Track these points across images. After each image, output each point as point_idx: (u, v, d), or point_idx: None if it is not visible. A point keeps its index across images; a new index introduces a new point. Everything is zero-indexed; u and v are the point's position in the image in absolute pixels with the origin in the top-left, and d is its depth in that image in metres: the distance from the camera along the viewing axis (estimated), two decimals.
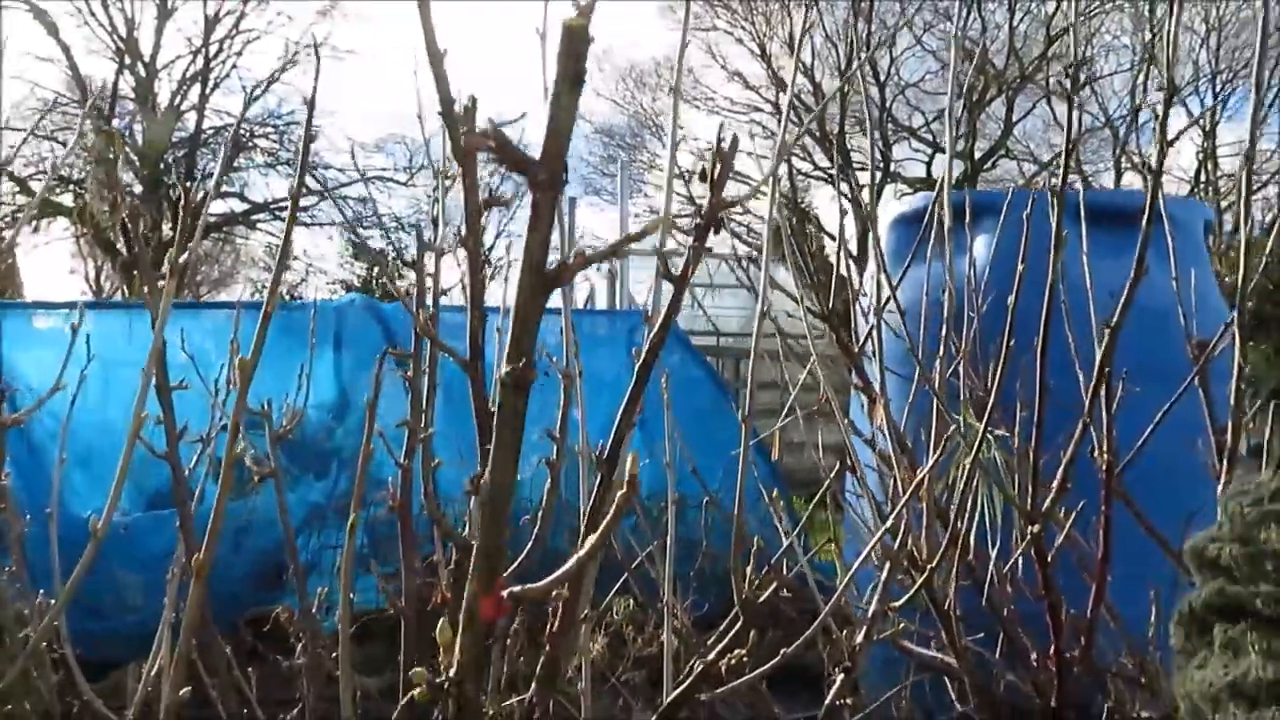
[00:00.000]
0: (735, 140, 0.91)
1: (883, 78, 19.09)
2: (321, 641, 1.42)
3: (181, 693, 0.69)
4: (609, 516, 0.44)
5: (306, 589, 1.60)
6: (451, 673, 0.47)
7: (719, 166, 0.88)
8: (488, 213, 0.80)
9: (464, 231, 0.74)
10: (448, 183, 1.38)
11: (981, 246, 2.26)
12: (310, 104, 0.83)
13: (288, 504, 1.55)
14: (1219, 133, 19.00)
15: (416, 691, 0.47)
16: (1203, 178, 18.45)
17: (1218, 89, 18.73)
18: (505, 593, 0.47)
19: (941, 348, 1.65)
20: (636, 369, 0.91)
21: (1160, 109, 1.12)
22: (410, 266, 1.18)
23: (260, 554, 3.22)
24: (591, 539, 0.46)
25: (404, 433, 1.33)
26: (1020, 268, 1.22)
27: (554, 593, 0.50)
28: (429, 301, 1.11)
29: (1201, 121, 18.51)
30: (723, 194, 0.91)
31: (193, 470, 1.35)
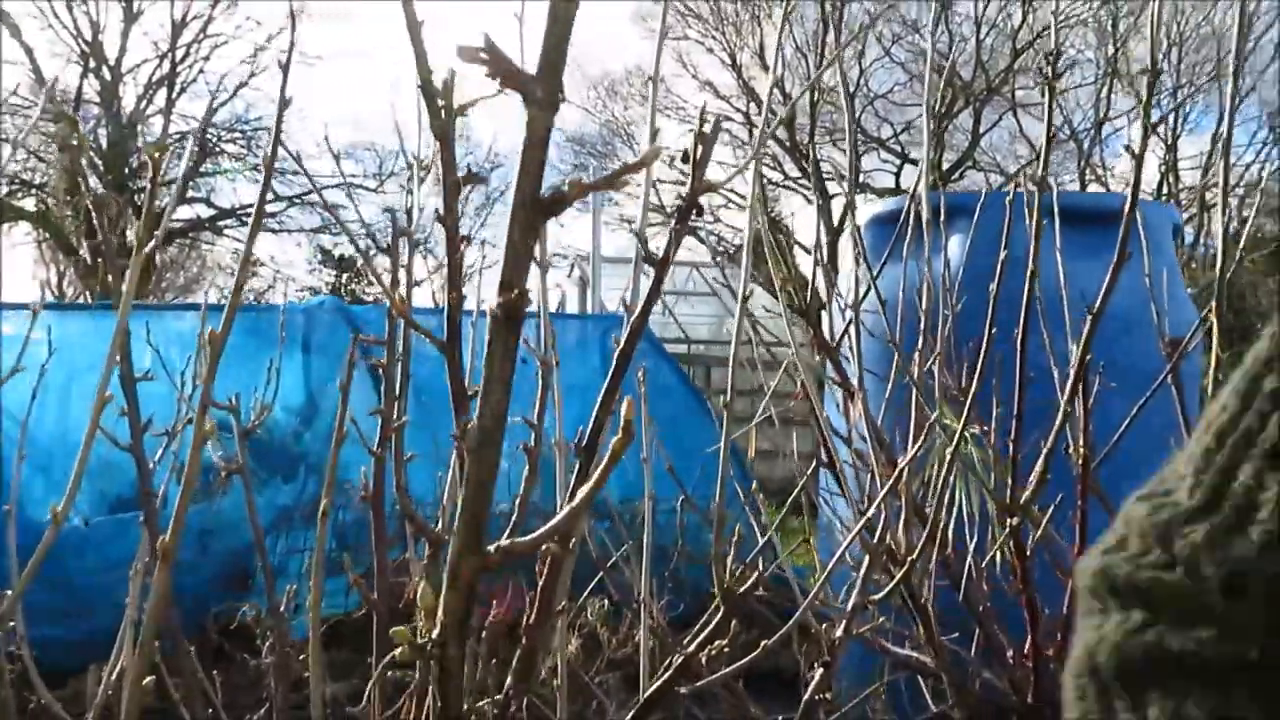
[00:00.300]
0: (718, 123, 0.90)
1: (852, 89, 19.25)
2: (289, 642, 1.39)
3: (145, 682, 0.67)
4: (604, 462, 0.42)
5: (274, 591, 1.56)
6: (434, 634, 0.45)
7: (700, 148, 0.87)
8: (466, 190, 0.78)
9: (441, 210, 0.72)
10: (422, 174, 1.36)
11: (955, 247, 2.27)
12: (282, 78, 0.80)
13: (255, 510, 1.51)
14: (1180, 146, 19.38)
15: (398, 652, 0.45)
16: (1164, 191, 18.76)
17: (1179, 102, 19.08)
18: (493, 547, 0.45)
19: (921, 340, 1.65)
20: (616, 355, 0.89)
21: (1143, 92, 1.13)
22: (384, 252, 1.16)
23: (226, 557, 3.16)
24: (585, 489, 0.44)
25: (375, 427, 1.30)
26: (1003, 254, 1.22)
27: (544, 546, 0.48)
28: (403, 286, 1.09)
29: (1163, 135, 18.83)
30: (703, 178, 0.90)
31: (157, 464, 1.31)
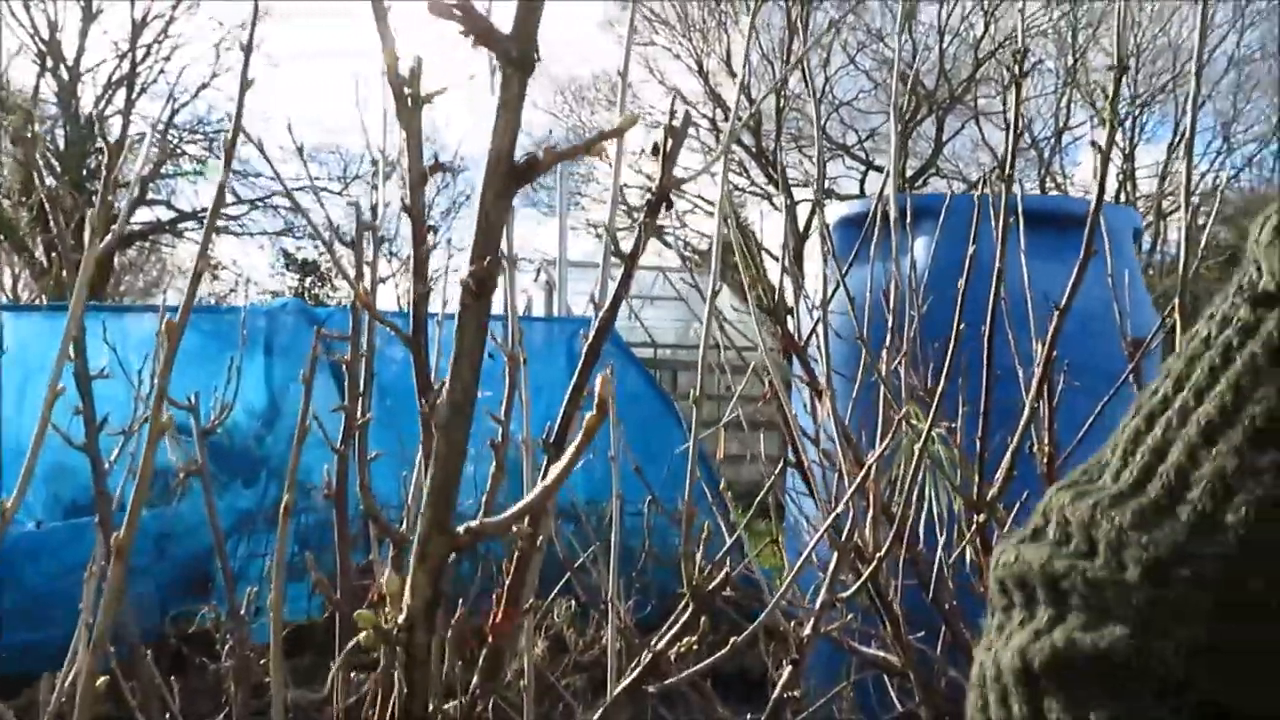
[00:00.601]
0: (687, 116, 0.90)
1: (817, 95, 19.39)
2: (249, 646, 1.36)
3: (99, 684, 0.65)
4: (578, 439, 0.41)
5: (235, 595, 1.54)
6: (400, 619, 0.43)
7: (670, 142, 0.86)
8: (433, 194, 0.77)
9: (407, 199, 0.71)
10: (388, 169, 1.34)
11: (921, 249, 2.29)
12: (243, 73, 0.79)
13: (216, 512, 1.48)
14: (1136, 155, 19.76)
15: (362, 636, 0.44)
16: (1122, 198, 19.09)
17: (1136, 109, 19.44)
18: (462, 528, 0.44)
19: (888, 339, 1.66)
20: (585, 350, 0.89)
21: (1110, 88, 1.14)
22: (348, 246, 1.13)
23: (186, 561, 3.11)
24: (557, 467, 0.43)
25: (338, 429, 1.28)
26: (970, 249, 1.22)
27: (514, 528, 0.46)
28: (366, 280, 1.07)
29: (1121, 144, 19.17)
30: (673, 172, 0.89)
31: (113, 465, 1.28)
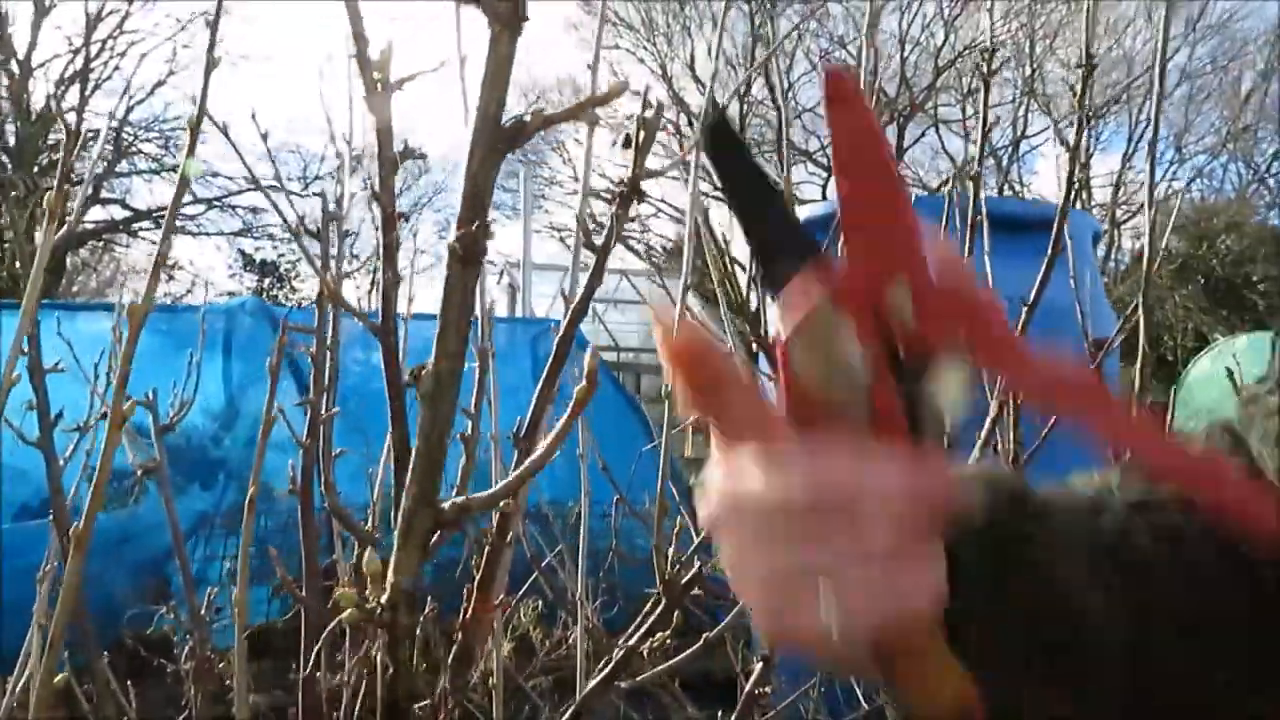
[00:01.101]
0: (660, 108, 0.89)
1: (780, 101, 19.54)
2: (209, 648, 1.33)
3: (56, 680, 0.63)
4: (567, 413, 0.40)
5: (193, 594, 1.50)
6: (384, 598, 0.42)
7: (643, 133, 0.86)
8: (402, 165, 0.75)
9: (377, 186, 0.70)
10: (353, 163, 1.32)
11: None
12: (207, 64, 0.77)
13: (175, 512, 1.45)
14: (1091, 164, 20.13)
15: (345, 615, 0.42)
16: (1077, 206, 19.42)
17: (1090, 122, 19.79)
18: (448, 503, 0.43)
19: None
20: (557, 342, 0.88)
21: (1079, 86, 1.15)
22: (314, 237, 1.11)
23: (143, 564, 3.04)
24: (544, 444, 0.42)
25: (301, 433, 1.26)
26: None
27: (501, 503, 0.45)
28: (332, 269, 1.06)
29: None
30: (644, 164, 0.89)
31: (68, 461, 1.25)
